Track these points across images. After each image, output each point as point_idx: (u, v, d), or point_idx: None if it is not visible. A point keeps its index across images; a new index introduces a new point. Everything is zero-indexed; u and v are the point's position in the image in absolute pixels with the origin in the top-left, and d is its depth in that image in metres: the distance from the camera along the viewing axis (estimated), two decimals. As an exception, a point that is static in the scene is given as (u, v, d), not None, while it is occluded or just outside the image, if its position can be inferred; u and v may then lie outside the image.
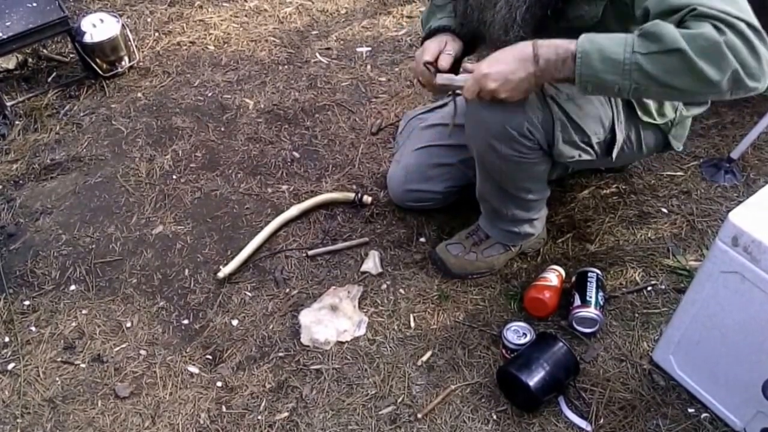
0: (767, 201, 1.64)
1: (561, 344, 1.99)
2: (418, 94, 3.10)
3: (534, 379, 1.92)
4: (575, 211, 2.52)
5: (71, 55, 3.42)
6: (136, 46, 3.42)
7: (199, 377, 2.15)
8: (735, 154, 2.55)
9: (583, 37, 1.60)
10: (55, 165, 2.87)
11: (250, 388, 2.10)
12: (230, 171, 2.80)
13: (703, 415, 1.95)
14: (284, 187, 2.71)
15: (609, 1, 1.73)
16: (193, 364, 2.18)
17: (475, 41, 2.06)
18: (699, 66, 1.48)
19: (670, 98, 1.57)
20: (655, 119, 2.05)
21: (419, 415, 2.00)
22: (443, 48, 1.93)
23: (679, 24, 1.52)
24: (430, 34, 2.02)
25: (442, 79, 1.85)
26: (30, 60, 3.42)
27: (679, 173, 2.63)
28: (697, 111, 2.14)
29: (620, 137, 2.03)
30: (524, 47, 1.68)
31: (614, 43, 1.57)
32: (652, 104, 2.02)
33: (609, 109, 1.99)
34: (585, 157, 2.04)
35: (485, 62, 1.73)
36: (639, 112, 2.02)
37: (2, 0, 3.11)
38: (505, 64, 1.70)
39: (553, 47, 1.65)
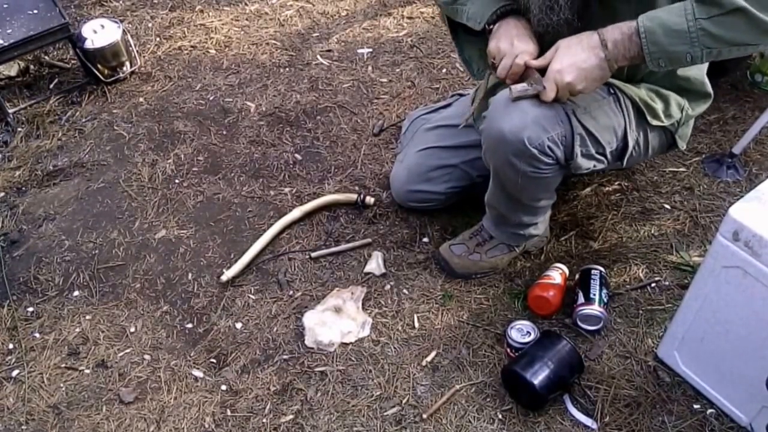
0: (767, 195, 1.64)
1: (565, 342, 1.99)
2: (419, 94, 3.11)
3: (539, 377, 1.91)
4: (578, 209, 2.52)
5: (73, 62, 3.43)
6: (137, 51, 3.42)
7: (204, 381, 2.15)
8: (737, 150, 2.54)
9: (641, 17, 1.65)
10: (57, 171, 2.88)
11: (255, 391, 2.10)
12: (232, 174, 2.80)
13: (709, 410, 1.95)
14: (286, 189, 2.71)
15: None
16: (198, 368, 2.18)
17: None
18: (764, 19, 1.55)
19: (745, 53, 1.63)
20: (663, 121, 2.05)
21: (424, 416, 2.00)
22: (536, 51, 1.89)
23: None
24: (499, 17, 1.95)
25: (516, 92, 1.84)
26: (32, 67, 3.43)
27: (681, 169, 2.63)
28: (702, 109, 2.14)
29: (631, 144, 2.04)
30: (589, 37, 1.73)
31: (674, 14, 1.62)
32: (659, 106, 2.03)
33: (621, 117, 1.99)
34: (599, 166, 2.05)
35: (555, 61, 1.76)
36: (648, 117, 2.02)
37: (3, 7, 3.12)
38: (575, 56, 1.73)
39: (616, 28, 1.69)
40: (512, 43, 1.88)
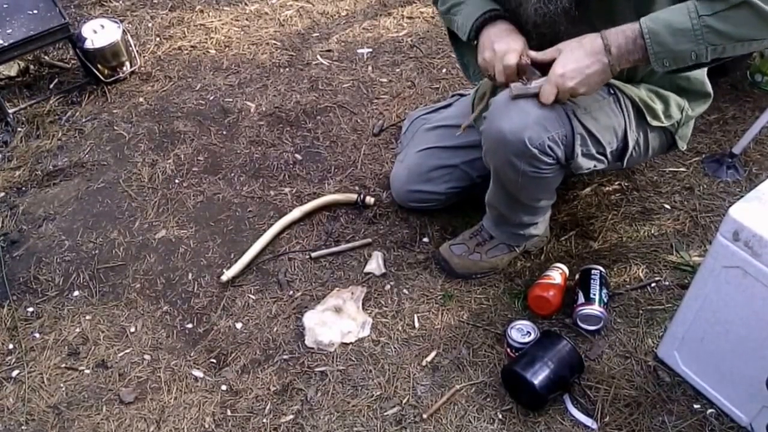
0: (767, 195, 1.64)
1: (565, 342, 1.99)
2: (419, 94, 3.11)
3: (539, 377, 1.91)
4: (578, 209, 2.52)
5: (73, 62, 3.43)
6: (137, 51, 3.42)
7: (204, 381, 2.15)
8: (737, 149, 2.54)
9: (643, 19, 1.65)
10: (57, 171, 2.88)
11: (255, 392, 2.10)
12: (232, 174, 2.80)
13: (709, 410, 1.95)
14: (287, 189, 2.71)
15: None
16: (198, 368, 2.18)
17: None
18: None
19: (749, 49, 1.63)
20: (662, 122, 2.05)
21: (424, 416, 2.00)
22: (524, 48, 1.89)
23: None
24: (485, 22, 1.95)
25: (517, 90, 1.84)
26: (31, 67, 3.43)
27: (681, 169, 2.63)
28: (702, 109, 2.14)
29: (631, 144, 2.04)
30: (592, 41, 1.72)
31: (677, 14, 1.62)
32: (659, 107, 2.03)
33: (622, 117, 1.99)
34: (599, 166, 2.05)
35: (557, 64, 1.75)
36: (648, 117, 2.02)
37: (3, 7, 3.11)
38: (579, 61, 1.72)
39: (620, 32, 1.69)
40: (493, 49, 1.89)
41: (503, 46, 1.87)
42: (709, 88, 2.10)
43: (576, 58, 1.72)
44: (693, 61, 1.66)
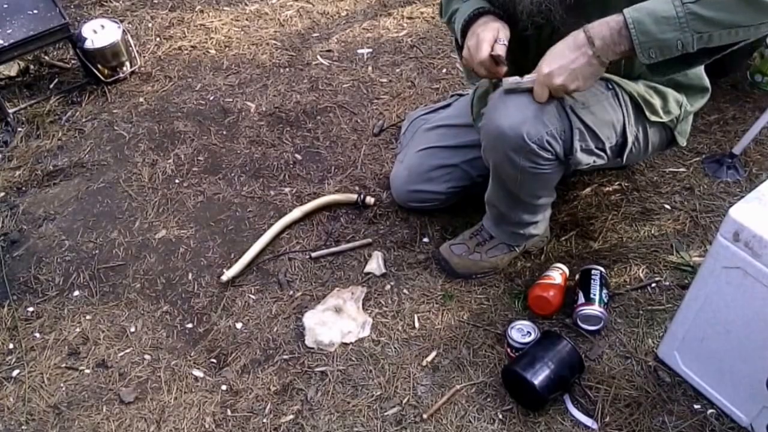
0: (767, 196, 1.63)
1: (566, 342, 1.99)
2: (419, 94, 3.10)
3: (539, 377, 1.91)
4: (578, 209, 2.52)
5: (73, 62, 3.43)
6: (137, 51, 3.42)
7: (204, 381, 2.15)
8: (737, 150, 2.54)
9: (627, 9, 1.64)
10: (57, 171, 2.88)
11: (255, 391, 2.10)
12: (233, 174, 2.80)
13: (709, 411, 1.95)
14: (287, 189, 2.71)
15: None
16: (198, 368, 2.18)
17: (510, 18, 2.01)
18: None
19: (736, 38, 1.60)
20: (661, 117, 2.05)
21: (425, 416, 2.00)
22: (497, 37, 1.89)
23: None
24: (471, 20, 1.97)
25: (508, 84, 1.84)
26: (32, 67, 3.43)
27: (681, 169, 2.63)
28: (700, 104, 2.14)
29: (630, 139, 2.03)
30: (575, 36, 1.70)
31: (661, 2, 1.60)
32: (657, 103, 2.03)
33: (620, 112, 1.99)
34: (599, 162, 2.04)
35: (543, 63, 1.74)
36: (647, 112, 2.02)
37: (3, 7, 3.11)
38: (563, 57, 1.71)
39: (603, 24, 1.67)
40: (467, 47, 1.92)
41: (473, 41, 1.89)
42: (707, 82, 2.10)
43: (561, 56, 1.72)
44: (679, 50, 1.62)
